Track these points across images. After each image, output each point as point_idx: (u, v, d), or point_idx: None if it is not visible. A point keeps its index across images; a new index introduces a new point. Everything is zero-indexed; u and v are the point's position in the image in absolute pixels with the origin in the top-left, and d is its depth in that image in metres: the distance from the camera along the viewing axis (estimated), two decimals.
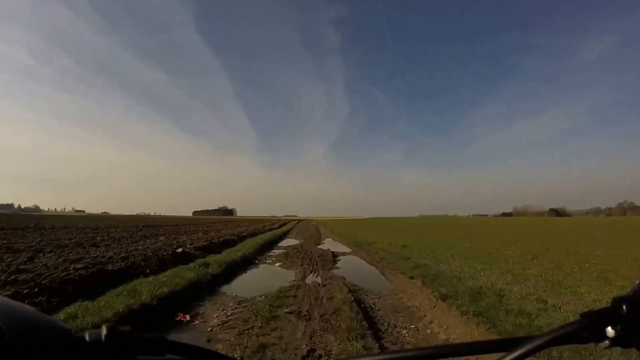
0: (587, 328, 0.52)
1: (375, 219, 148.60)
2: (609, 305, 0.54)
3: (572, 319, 0.54)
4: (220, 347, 5.31)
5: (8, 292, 6.63)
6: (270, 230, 37.74)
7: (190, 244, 16.99)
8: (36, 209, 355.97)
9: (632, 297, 0.53)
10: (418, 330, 6.38)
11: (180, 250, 14.37)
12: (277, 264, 14.10)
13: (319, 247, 21.55)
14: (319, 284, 9.80)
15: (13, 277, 7.98)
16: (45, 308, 6.02)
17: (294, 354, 4.96)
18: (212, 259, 12.59)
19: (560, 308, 6.63)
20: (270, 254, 17.73)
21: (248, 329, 6.00)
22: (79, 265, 9.68)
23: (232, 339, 5.62)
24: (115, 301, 6.37)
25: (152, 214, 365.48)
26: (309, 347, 5.15)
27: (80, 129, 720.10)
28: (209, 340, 5.64)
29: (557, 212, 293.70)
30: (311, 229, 44.62)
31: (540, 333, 0.52)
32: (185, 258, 13.06)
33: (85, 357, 0.45)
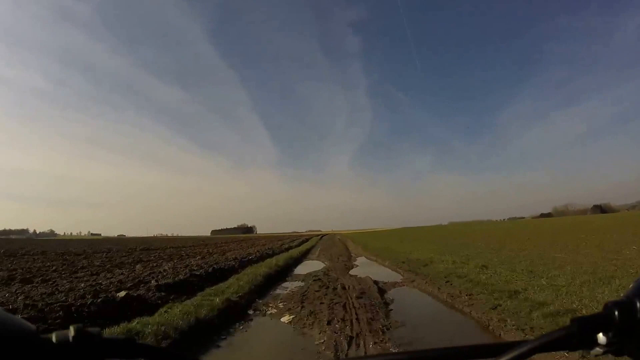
0: (578, 334, 0.51)
1: (405, 230, 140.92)
2: (600, 311, 0.53)
3: None
4: None
5: None
6: (287, 249, 31.97)
7: (157, 279, 11.27)
8: (51, 233, 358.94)
9: (624, 302, 0.52)
10: None
11: (122, 294, 8.60)
12: (286, 317, 8.09)
13: (351, 272, 15.57)
14: None
15: None
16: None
17: None
18: (158, 318, 6.76)
19: None
20: (278, 291, 11.68)
21: None
22: None
23: None
24: None
25: (170, 234, 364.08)
26: None
27: (96, 149, 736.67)
28: None
29: (602, 209, 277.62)
30: (338, 246, 38.45)
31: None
32: (121, 309, 7.39)
33: (52, 358, 0.44)
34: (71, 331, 0.45)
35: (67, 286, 10.49)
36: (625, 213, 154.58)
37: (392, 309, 8.42)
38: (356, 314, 7.66)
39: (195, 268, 15.00)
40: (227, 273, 13.88)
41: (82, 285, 10.76)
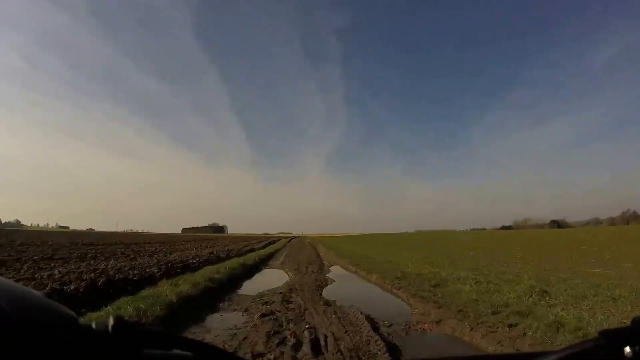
0: (606, 347, 0.51)
1: (374, 236, 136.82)
2: (627, 324, 0.53)
3: None
4: None
5: None
6: (249, 252, 26.38)
7: None
8: (17, 223, 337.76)
9: None
10: None
11: None
12: None
13: (326, 294, 10.15)
14: None
15: None
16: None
17: None
18: None
19: None
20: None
21: None
22: None
23: None
24: None
25: (140, 230, 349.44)
26: None
27: (69, 137, 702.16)
28: None
29: (559, 224, 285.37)
30: (307, 251, 32.67)
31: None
32: None
33: (91, 345, 0.45)
34: (110, 320, 0.45)
35: None
36: (582, 229, 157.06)
37: None
38: None
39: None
40: (120, 291, 8.20)
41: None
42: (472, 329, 5.86)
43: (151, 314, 6.03)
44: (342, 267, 18.53)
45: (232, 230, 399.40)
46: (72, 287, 7.66)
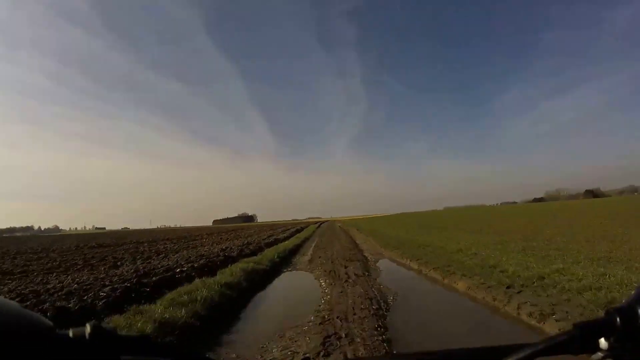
0: (580, 339, 0.50)
1: (405, 215, 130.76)
2: (602, 316, 0.52)
3: None
4: None
5: None
6: (271, 244, 21.67)
7: None
8: (56, 229, 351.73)
9: (626, 308, 0.52)
10: None
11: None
12: None
13: (394, 324, 5.21)
14: None
15: None
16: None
17: None
18: None
19: None
20: None
21: None
22: None
23: None
24: None
25: (172, 225, 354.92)
26: None
27: (99, 146, 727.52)
28: None
29: (594, 194, 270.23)
30: (340, 238, 26.61)
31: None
32: None
33: (69, 354, 0.44)
34: (87, 328, 0.44)
35: None
36: (621, 197, 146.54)
37: None
38: None
39: None
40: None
41: None
42: None
43: None
44: (393, 260, 13.38)
45: (261, 218, 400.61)
46: None
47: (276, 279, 10.94)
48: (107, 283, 8.68)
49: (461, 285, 7.86)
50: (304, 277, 10.92)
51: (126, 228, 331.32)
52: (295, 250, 18.62)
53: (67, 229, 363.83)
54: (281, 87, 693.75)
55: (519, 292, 6.43)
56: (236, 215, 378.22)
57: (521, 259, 9.30)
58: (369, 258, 14.11)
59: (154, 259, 15.70)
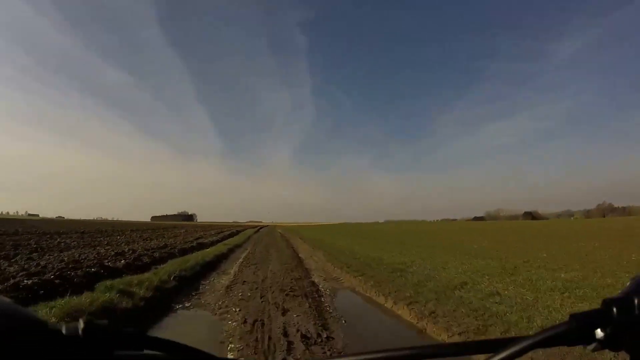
0: (576, 330, 0.50)
1: (345, 225, 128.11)
2: (598, 307, 0.52)
3: None
4: None
5: None
6: (192, 249, 16.12)
7: None
8: None
9: (622, 299, 0.51)
10: None
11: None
12: None
13: None
14: None
15: None
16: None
17: None
18: None
19: None
20: None
21: None
22: None
23: None
24: None
25: (110, 218, 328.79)
26: None
27: (37, 129, 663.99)
28: None
29: (532, 216, 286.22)
30: (281, 249, 21.34)
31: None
32: None
33: (62, 350, 0.43)
34: (80, 323, 0.43)
35: None
36: (556, 220, 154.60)
37: None
38: None
39: None
40: None
41: None
42: None
43: None
44: (360, 295, 8.52)
45: (201, 218, 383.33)
46: None
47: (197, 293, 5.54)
48: None
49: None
50: (199, 335, 5.59)
51: (61, 217, 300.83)
52: (214, 263, 13.15)
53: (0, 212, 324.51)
54: (229, 89, 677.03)
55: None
56: (176, 213, 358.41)
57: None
58: (321, 288, 9.07)
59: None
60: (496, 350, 0.49)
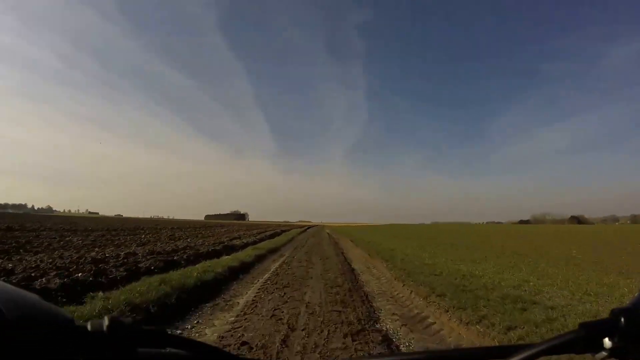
0: (585, 338, 0.50)
1: (394, 226, 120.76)
2: (607, 316, 0.52)
3: None
4: None
5: None
6: (221, 251, 11.67)
7: None
8: (49, 209, 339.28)
9: (630, 309, 0.51)
10: None
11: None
12: None
13: None
14: None
15: None
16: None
17: None
18: None
19: None
20: None
21: None
22: None
23: None
24: None
25: (165, 217, 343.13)
26: None
27: (101, 131, 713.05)
28: None
29: (578, 220, 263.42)
30: (327, 256, 16.44)
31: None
32: None
33: (87, 346, 0.44)
34: (105, 321, 0.44)
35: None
36: (602, 226, 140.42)
37: None
38: None
39: None
40: None
41: None
42: None
43: None
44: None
45: (253, 217, 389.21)
46: None
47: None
48: None
49: None
50: None
51: (119, 215, 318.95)
52: (222, 282, 8.36)
53: (61, 211, 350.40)
54: (286, 90, 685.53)
55: None
56: (228, 212, 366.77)
57: None
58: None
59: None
60: (503, 357, 0.48)
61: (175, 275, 7.23)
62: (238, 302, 6.48)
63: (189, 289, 6.54)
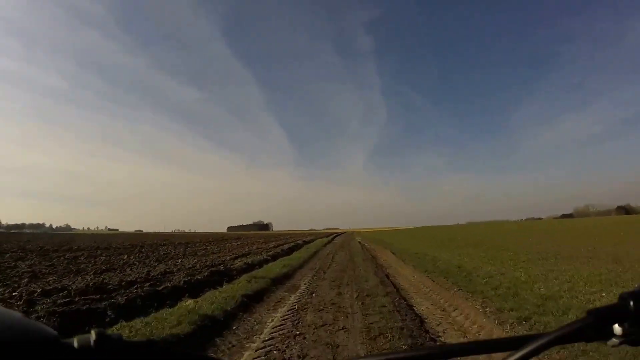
0: (594, 326, 0.48)
1: (428, 229, 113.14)
2: (615, 302, 0.50)
3: None
4: None
5: None
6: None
7: None
8: (67, 228, 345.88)
9: (638, 293, 0.49)
10: None
11: None
12: None
13: None
14: None
15: None
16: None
17: None
18: None
19: None
20: None
21: None
22: None
23: None
24: None
25: (187, 230, 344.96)
26: None
27: (114, 148, 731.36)
28: None
29: (626, 210, 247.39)
30: (360, 270, 11.98)
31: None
32: None
33: None
34: (92, 335, 0.42)
35: None
36: None
37: None
38: None
39: None
40: None
41: None
42: None
43: None
44: None
45: (278, 227, 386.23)
46: None
47: None
48: None
49: None
50: None
51: (139, 230, 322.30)
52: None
53: (80, 229, 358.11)
54: (298, 96, 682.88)
55: None
56: (251, 222, 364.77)
57: None
58: None
59: None
60: (514, 348, 0.47)
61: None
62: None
63: None
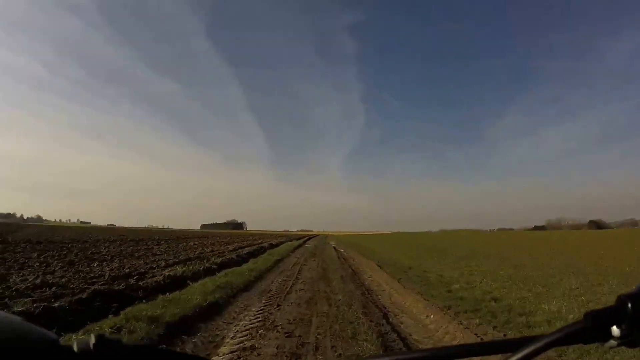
0: (591, 328, 0.48)
1: (402, 235, 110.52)
2: (613, 303, 0.50)
3: None
4: None
5: None
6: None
7: None
8: (39, 219, 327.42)
9: (637, 294, 0.49)
10: None
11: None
12: None
13: None
14: None
15: None
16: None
17: None
18: None
19: None
20: None
21: None
22: None
23: None
24: None
25: (160, 226, 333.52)
26: None
27: (90, 139, 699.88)
28: None
29: (597, 224, 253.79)
30: (336, 285, 7.82)
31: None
32: None
33: None
34: (92, 339, 0.42)
35: None
36: (622, 230, 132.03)
37: None
38: None
39: None
40: None
41: None
42: None
43: None
44: None
45: (252, 226, 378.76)
46: None
47: None
48: None
49: None
50: None
51: (112, 225, 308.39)
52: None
53: (52, 220, 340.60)
54: (279, 96, 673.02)
55: None
56: (225, 221, 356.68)
57: None
58: None
59: None
60: (512, 350, 0.47)
61: None
62: None
63: None
